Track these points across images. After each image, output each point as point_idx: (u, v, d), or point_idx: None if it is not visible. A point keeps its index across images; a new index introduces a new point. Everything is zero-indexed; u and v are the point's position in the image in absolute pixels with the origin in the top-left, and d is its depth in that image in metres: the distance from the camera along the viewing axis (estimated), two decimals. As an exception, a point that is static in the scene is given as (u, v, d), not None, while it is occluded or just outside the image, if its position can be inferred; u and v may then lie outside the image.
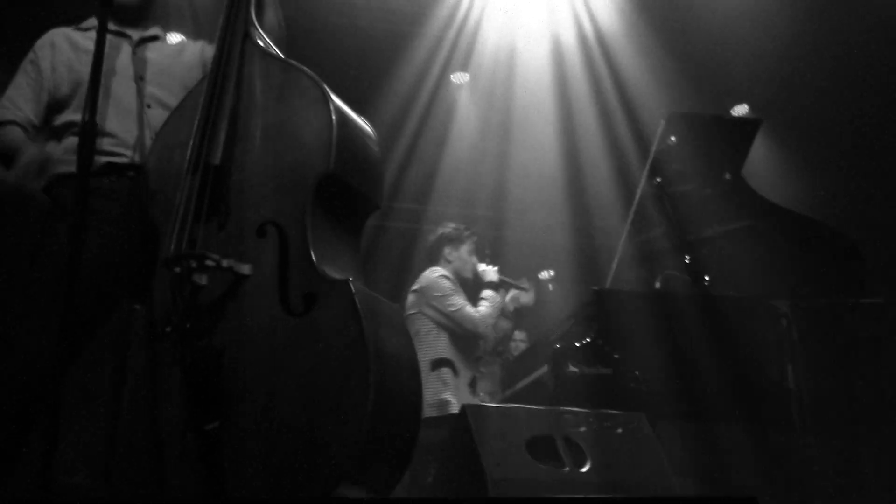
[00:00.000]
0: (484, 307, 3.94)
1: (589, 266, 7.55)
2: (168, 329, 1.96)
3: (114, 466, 1.98)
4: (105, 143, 2.28)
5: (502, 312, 4.19)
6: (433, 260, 4.25)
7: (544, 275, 8.16)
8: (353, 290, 1.91)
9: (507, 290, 4.44)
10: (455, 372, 3.87)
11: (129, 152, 2.32)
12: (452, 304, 3.90)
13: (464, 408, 2.67)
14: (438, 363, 3.85)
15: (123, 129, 2.34)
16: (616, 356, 3.38)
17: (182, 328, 1.95)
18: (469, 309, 3.92)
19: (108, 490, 1.95)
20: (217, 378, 1.92)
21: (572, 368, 3.30)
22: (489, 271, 4.34)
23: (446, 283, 4.00)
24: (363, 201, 2.20)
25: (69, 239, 1.75)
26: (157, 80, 2.44)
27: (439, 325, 3.95)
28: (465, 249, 4.20)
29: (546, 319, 7.06)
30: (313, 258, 1.98)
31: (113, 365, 2.10)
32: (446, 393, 3.79)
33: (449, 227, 4.27)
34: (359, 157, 2.16)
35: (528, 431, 2.70)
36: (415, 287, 4.10)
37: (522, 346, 5.90)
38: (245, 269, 2.02)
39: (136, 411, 2.00)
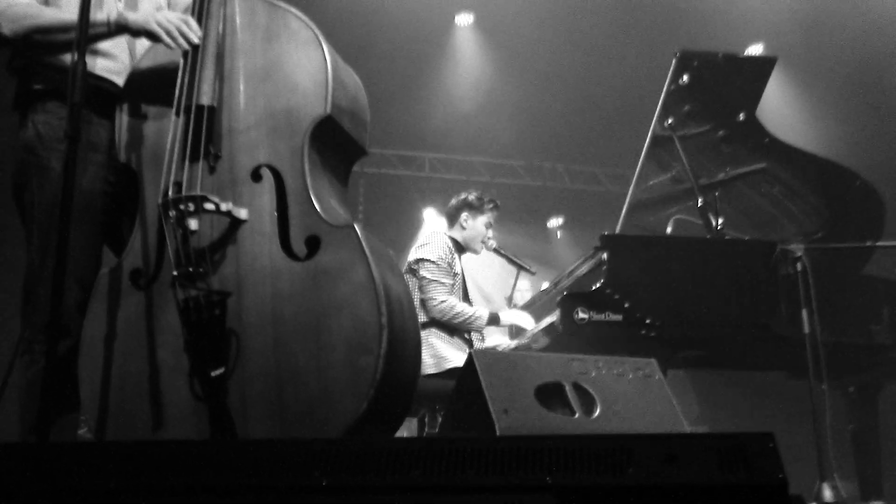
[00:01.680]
0: (460, 307, 3.92)
1: (598, 212, 7.54)
2: (175, 273, 1.95)
3: (108, 416, 1.98)
4: (98, 66, 2.24)
5: (501, 325, 4.15)
6: (450, 221, 4.25)
7: (553, 222, 8.16)
8: (360, 233, 1.91)
9: (516, 270, 4.43)
10: (450, 332, 3.89)
11: (119, 80, 2.28)
12: (432, 297, 3.89)
13: (471, 354, 2.66)
14: (428, 324, 3.86)
15: (117, 50, 2.29)
16: (626, 303, 3.37)
17: (183, 273, 1.94)
18: (448, 300, 3.93)
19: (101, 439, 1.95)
20: (220, 325, 1.92)
21: (581, 315, 3.30)
22: (490, 240, 4.33)
23: (441, 249, 4.00)
24: (353, 146, 2.21)
25: (64, 173, 1.74)
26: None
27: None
28: (481, 220, 4.19)
29: (554, 266, 7.08)
30: (314, 202, 1.98)
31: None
32: (442, 349, 3.81)
33: (472, 195, 4.26)
34: (351, 101, 2.16)
35: (536, 378, 2.70)
36: (419, 244, 4.10)
37: (528, 294, 5.91)
38: (242, 213, 2.02)
39: (128, 360, 1.99)
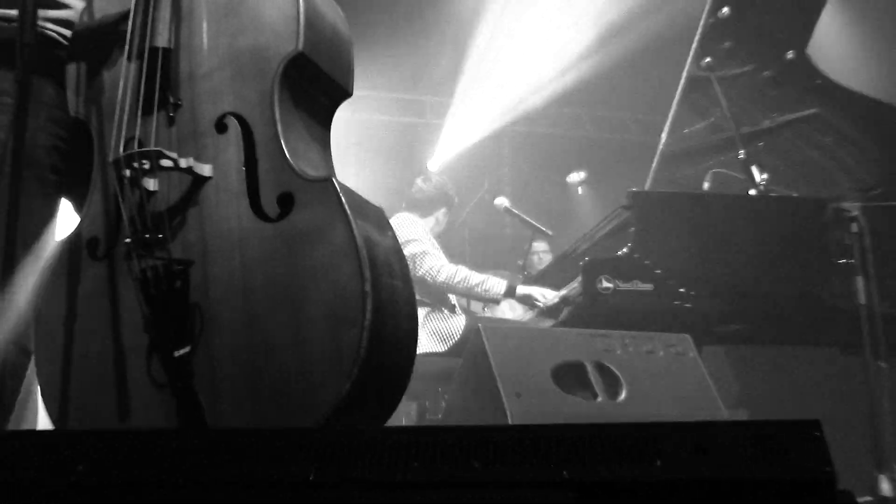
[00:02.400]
0: (467, 271, 3.91)
1: (626, 164, 7.50)
2: (130, 241, 1.93)
3: (69, 405, 1.98)
4: (43, 14, 2.21)
5: (520, 299, 4.11)
6: (423, 211, 4.27)
7: (574, 176, 8.11)
8: (338, 188, 1.86)
9: (531, 232, 4.41)
10: (452, 309, 3.89)
11: (68, 28, 2.26)
12: (430, 267, 3.89)
13: (480, 328, 2.64)
14: (427, 303, 3.87)
15: None
16: (657, 270, 3.35)
17: (139, 241, 1.92)
18: (449, 265, 3.92)
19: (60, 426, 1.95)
20: (183, 298, 1.89)
21: (606, 284, 3.27)
22: (501, 200, 4.32)
23: (417, 228, 4.00)
24: (334, 88, 2.16)
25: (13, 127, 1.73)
26: None
27: None
28: (442, 213, 4.24)
29: (575, 228, 7.05)
30: (286, 154, 1.94)
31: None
32: (444, 325, 3.81)
33: (452, 190, 4.31)
34: (329, 35, 2.11)
35: (553, 357, 2.69)
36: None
37: (546, 258, 5.88)
38: (205, 169, 1.98)
39: (88, 341, 1.98)
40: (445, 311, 3.83)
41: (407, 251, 3.93)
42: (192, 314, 1.89)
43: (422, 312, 3.76)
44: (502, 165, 8.84)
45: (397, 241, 1.98)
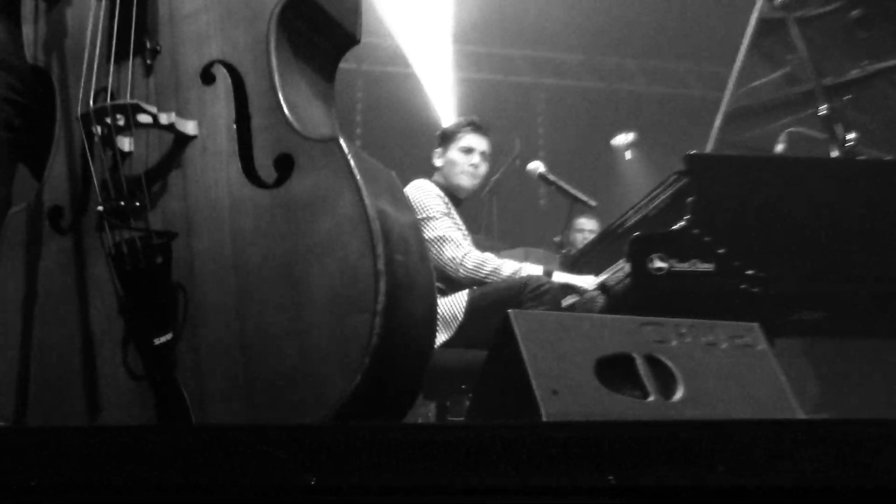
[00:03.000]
0: (496, 261, 3.91)
1: (683, 124, 7.47)
2: (102, 209, 1.97)
3: (29, 399, 2.02)
4: None
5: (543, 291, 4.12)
6: (432, 170, 4.33)
7: (621, 139, 8.12)
8: (346, 149, 1.89)
9: (570, 203, 4.41)
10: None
11: None
12: (450, 258, 3.89)
13: (509, 315, 2.67)
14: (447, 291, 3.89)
15: None
16: (720, 248, 3.35)
17: (113, 210, 1.95)
18: (473, 252, 3.91)
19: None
20: (164, 277, 1.93)
21: (658, 264, 3.29)
22: (535, 164, 4.33)
23: (431, 201, 4.00)
24: (339, 32, 2.19)
25: None
26: None
27: None
28: (454, 148, 4.24)
29: (622, 197, 7.04)
30: (284, 109, 1.96)
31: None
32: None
33: (447, 124, 4.35)
34: None
35: (597, 348, 2.70)
36: None
37: (591, 236, 5.89)
38: (190, 126, 2.01)
39: (51, 327, 2.02)
40: (441, 286, 3.86)
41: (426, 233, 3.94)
42: (175, 296, 1.92)
43: None
44: (536, 125, 8.84)
45: (413, 212, 2.00)
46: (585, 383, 2.63)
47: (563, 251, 4.71)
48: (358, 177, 1.87)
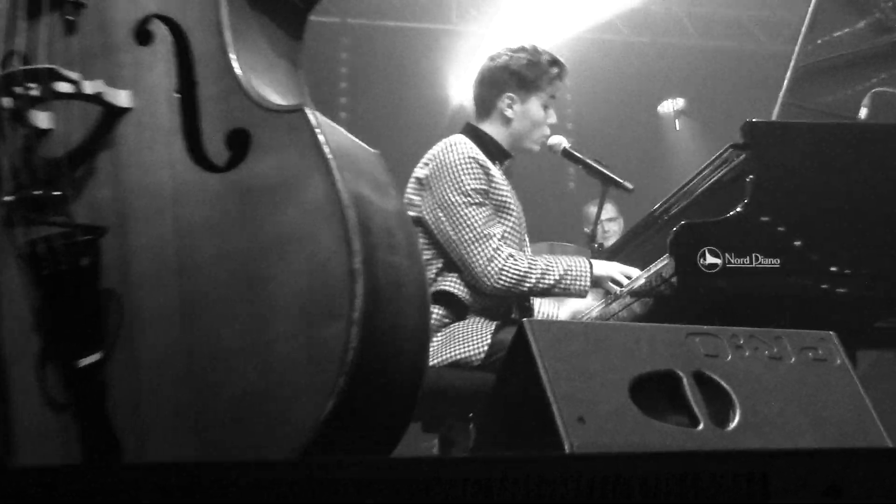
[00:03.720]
0: (539, 265, 3.85)
1: (742, 85, 7.44)
2: (13, 199, 1.98)
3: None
4: None
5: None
6: (483, 110, 4.22)
7: (667, 105, 8.11)
8: (314, 122, 1.91)
9: (602, 185, 4.41)
10: (460, 315, 3.87)
11: None
12: (464, 220, 3.84)
13: (523, 326, 2.68)
14: (438, 298, 3.84)
15: None
16: (789, 239, 3.36)
17: (27, 201, 1.96)
18: (494, 244, 3.85)
19: None
20: (91, 282, 1.95)
21: (711, 260, 3.30)
22: (557, 139, 4.31)
23: (467, 174, 3.92)
24: None
25: None
26: None
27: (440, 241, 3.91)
28: (536, 102, 4.16)
29: (667, 178, 7.01)
30: (238, 73, 1.98)
31: None
32: (474, 322, 3.82)
33: (520, 55, 4.22)
34: None
35: (633, 364, 2.71)
36: (422, 167, 4.04)
37: (610, 226, 5.92)
38: (122, 97, 2.02)
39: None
40: (465, 298, 3.85)
41: (440, 225, 3.90)
42: (105, 306, 1.94)
43: None
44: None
45: (401, 201, 2.01)
46: (619, 408, 2.64)
47: (596, 245, 4.72)
48: (329, 155, 1.88)
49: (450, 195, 3.83)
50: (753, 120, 3.53)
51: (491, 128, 4.15)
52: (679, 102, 8.12)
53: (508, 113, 4.11)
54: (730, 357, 2.81)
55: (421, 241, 3.82)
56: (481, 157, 3.96)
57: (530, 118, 4.13)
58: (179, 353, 1.90)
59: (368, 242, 1.86)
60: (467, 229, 3.82)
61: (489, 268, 3.75)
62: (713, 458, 1.36)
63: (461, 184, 3.85)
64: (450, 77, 8.90)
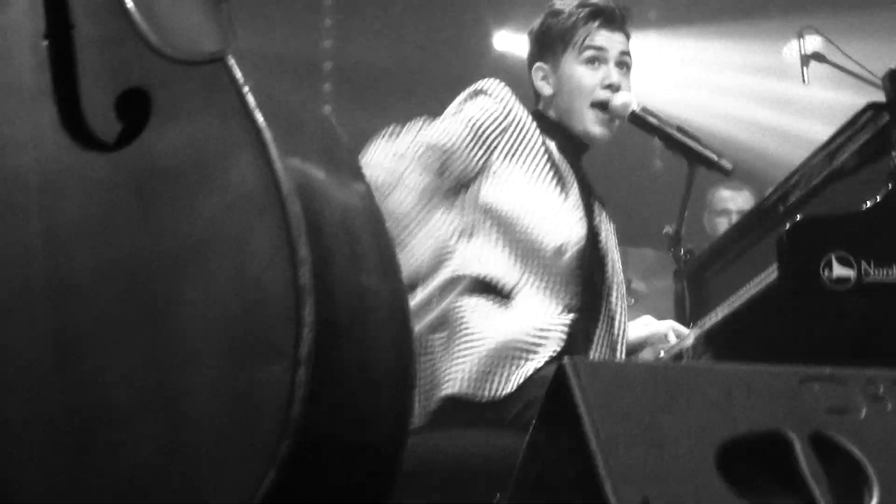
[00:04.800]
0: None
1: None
2: None
3: None
4: None
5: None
6: (536, 95, 4.31)
7: (795, 46, 8.03)
8: (240, 76, 1.92)
9: (690, 165, 4.43)
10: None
11: None
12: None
13: (563, 367, 2.70)
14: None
15: None
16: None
17: None
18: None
19: None
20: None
21: (839, 271, 3.30)
22: (624, 97, 4.33)
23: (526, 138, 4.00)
24: None
25: None
26: None
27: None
28: (574, 60, 4.22)
29: (782, 154, 6.98)
30: (129, 6, 2.01)
31: None
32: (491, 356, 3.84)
33: (543, 16, 4.30)
34: None
35: (721, 424, 2.74)
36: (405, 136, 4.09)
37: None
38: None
39: None
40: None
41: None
42: None
43: None
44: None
45: (365, 181, 2.02)
46: (702, 486, 2.66)
47: (683, 253, 4.72)
48: (262, 123, 1.89)
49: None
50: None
51: (547, 110, 4.32)
52: (815, 40, 8.05)
53: (546, 91, 4.19)
54: (864, 413, 2.81)
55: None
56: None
57: (568, 84, 4.20)
58: (56, 410, 1.92)
59: (321, 247, 1.86)
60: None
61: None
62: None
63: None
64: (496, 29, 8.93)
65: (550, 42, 4.26)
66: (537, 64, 4.29)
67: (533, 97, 4.41)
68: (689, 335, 3.87)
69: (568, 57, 4.21)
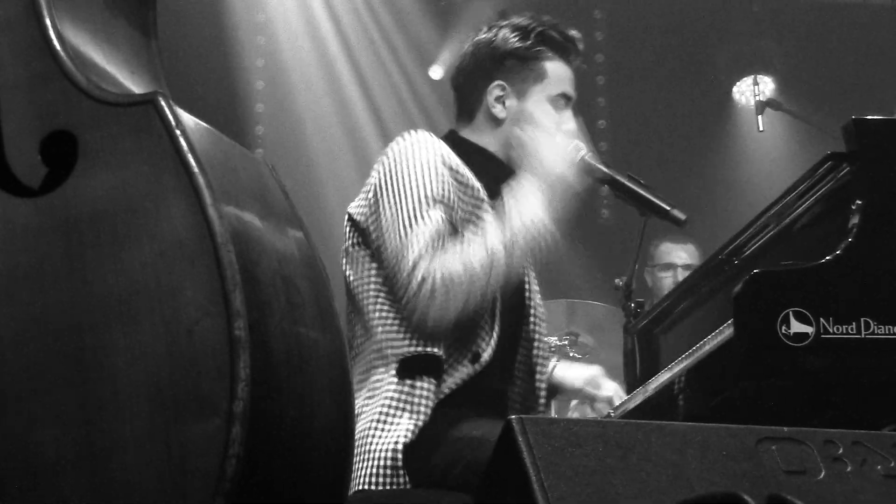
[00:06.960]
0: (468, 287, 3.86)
1: (853, 60, 7.44)
2: None
3: None
4: None
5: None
6: (464, 113, 4.28)
7: (745, 90, 8.06)
8: (171, 118, 1.93)
9: (642, 215, 4.46)
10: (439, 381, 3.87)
11: None
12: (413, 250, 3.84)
13: (509, 424, 2.71)
14: (406, 366, 3.83)
15: None
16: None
17: None
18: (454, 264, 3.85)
19: None
20: None
21: (798, 328, 3.31)
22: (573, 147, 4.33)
23: (434, 183, 3.94)
24: None
25: None
26: None
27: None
28: (539, 92, 4.20)
29: (736, 207, 6.99)
30: (56, 46, 2.02)
31: None
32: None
33: (513, 25, 4.25)
34: None
35: (676, 487, 2.76)
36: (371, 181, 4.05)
37: (686, 274, 5.96)
38: None
39: None
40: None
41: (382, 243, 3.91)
42: None
43: None
44: (593, 65, 8.89)
45: (311, 243, 2.02)
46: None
47: (633, 305, 4.74)
48: (195, 168, 1.90)
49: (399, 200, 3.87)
50: (864, 117, 3.56)
51: (475, 136, 4.23)
52: (766, 86, 8.04)
53: (497, 111, 4.15)
54: (822, 474, 2.83)
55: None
56: (455, 160, 4.00)
57: (529, 114, 4.16)
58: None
59: (256, 298, 1.88)
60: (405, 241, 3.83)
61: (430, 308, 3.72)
62: None
63: (418, 188, 3.88)
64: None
65: (517, 62, 4.18)
66: (498, 86, 4.17)
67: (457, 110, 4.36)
68: (637, 394, 3.88)
69: (537, 85, 4.18)
